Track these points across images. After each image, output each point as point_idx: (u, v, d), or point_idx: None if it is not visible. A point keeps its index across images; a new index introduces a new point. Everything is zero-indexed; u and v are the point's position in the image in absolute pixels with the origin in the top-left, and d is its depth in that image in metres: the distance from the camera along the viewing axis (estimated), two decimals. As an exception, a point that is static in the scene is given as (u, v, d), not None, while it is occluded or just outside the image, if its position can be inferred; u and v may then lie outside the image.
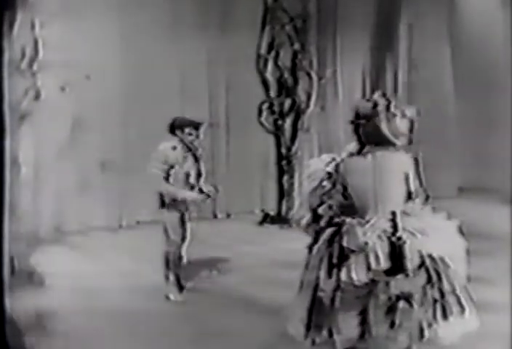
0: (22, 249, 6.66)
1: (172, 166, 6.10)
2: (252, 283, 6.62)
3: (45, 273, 6.74)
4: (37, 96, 7.75)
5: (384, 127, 4.18)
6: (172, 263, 6.23)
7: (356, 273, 4.02)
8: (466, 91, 10.87)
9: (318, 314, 4.15)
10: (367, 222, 4.11)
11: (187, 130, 6.19)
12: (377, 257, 4.01)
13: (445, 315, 4.06)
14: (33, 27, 7.68)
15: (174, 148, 6.16)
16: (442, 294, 4.08)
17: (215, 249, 7.75)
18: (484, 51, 10.45)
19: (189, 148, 6.22)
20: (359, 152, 4.24)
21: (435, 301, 4.06)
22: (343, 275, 4.04)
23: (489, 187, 9.79)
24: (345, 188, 4.21)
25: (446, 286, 4.08)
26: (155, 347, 5.26)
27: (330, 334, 4.13)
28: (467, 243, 4.21)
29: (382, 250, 4.03)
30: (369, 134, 4.22)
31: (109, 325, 5.56)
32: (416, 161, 4.22)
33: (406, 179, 4.15)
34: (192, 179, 6.25)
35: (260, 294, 6.20)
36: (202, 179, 6.32)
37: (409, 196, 4.16)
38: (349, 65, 10.57)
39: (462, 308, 4.09)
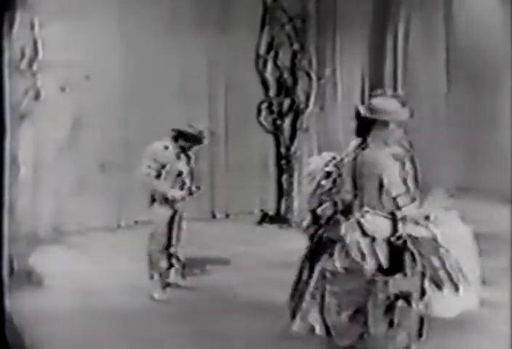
0: (21, 249, 6.67)
1: (163, 165, 6.15)
2: (251, 283, 6.63)
3: (44, 273, 6.75)
4: (37, 96, 7.75)
5: (361, 107, 4.22)
6: (156, 263, 6.25)
7: (339, 261, 4.07)
8: (466, 90, 10.88)
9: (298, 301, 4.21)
10: (353, 216, 4.15)
11: (187, 142, 6.27)
12: (352, 250, 4.05)
13: (438, 287, 4.07)
14: (32, 27, 7.68)
15: (166, 148, 6.22)
16: (426, 268, 4.08)
17: (214, 248, 7.76)
18: (483, 50, 10.45)
19: (182, 148, 6.26)
20: (356, 148, 4.26)
21: (423, 274, 4.07)
22: (327, 263, 4.09)
23: (489, 187, 9.79)
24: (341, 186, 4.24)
25: (435, 262, 4.07)
26: (154, 347, 5.26)
27: (328, 332, 4.14)
28: (471, 230, 4.21)
29: (357, 244, 4.06)
30: (362, 123, 4.26)
31: (108, 325, 5.56)
32: (402, 162, 4.22)
33: (380, 178, 4.15)
34: (185, 179, 6.28)
35: (259, 293, 6.21)
36: (194, 180, 6.38)
37: (394, 199, 4.16)
38: (348, 65, 10.56)
39: (456, 286, 4.09)
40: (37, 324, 5.48)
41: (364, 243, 4.07)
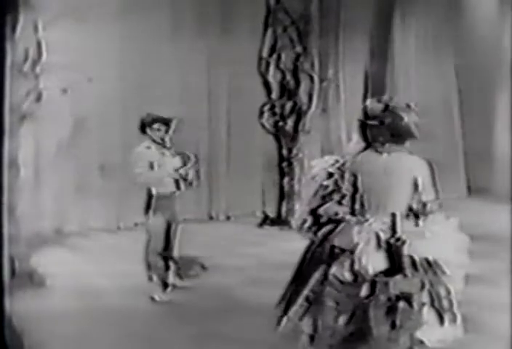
0: (22, 250, 6.67)
1: (151, 163, 6.21)
2: (251, 284, 6.64)
3: (45, 274, 6.75)
4: (38, 98, 7.76)
5: (407, 120, 4.17)
6: (154, 265, 6.28)
7: (348, 271, 4.05)
8: (467, 91, 10.89)
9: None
10: (366, 220, 4.11)
11: (155, 126, 6.29)
12: (360, 261, 4.02)
13: (441, 319, 4.06)
14: (36, 29, 7.69)
15: (149, 147, 6.29)
16: (433, 298, 4.06)
17: (214, 250, 7.76)
18: (486, 51, 10.46)
19: (164, 145, 6.30)
20: (368, 149, 4.23)
21: (423, 304, 4.05)
22: (334, 270, 4.05)
23: (489, 188, 9.79)
24: (354, 185, 4.20)
25: (441, 291, 4.06)
26: (155, 348, 5.25)
27: (315, 329, 4.13)
28: (468, 241, 4.18)
29: (369, 253, 4.02)
30: (381, 132, 4.21)
31: (108, 326, 5.56)
32: (431, 167, 4.20)
33: (415, 184, 4.12)
34: (175, 173, 6.31)
35: (259, 295, 6.20)
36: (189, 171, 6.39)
37: (424, 205, 4.13)
38: (351, 67, 10.57)
39: (454, 316, 4.08)
40: (38, 325, 5.47)
41: (377, 257, 4.05)
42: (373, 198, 4.14)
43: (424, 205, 4.09)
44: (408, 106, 4.22)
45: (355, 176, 4.18)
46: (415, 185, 4.10)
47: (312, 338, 4.15)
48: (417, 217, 4.11)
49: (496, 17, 10.47)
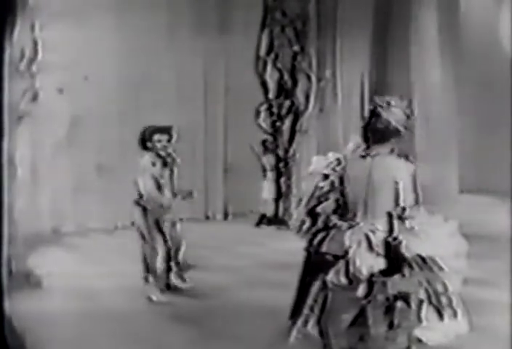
0: (20, 251, 6.66)
1: (156, 179, 6.19)
2: (249, 284, 6.63)
3: (43, 274, 6.74)
4: (35, 97, 7.75)
5: (386, 117, 4.17)
6: (151, 265, 6.28)
7: (343, 276, 4.05)
8: (466, 91, 10.91)
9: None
10: (357, 224, 4.11)
11: (155, 137, 6.21)
12: (354, 263, 4.02)
13: (440, 315, 4.05)
14: (33, 29, 7.69)
15: (154, 164, 6.24)
16: (430, 295, 4.06)
17: (211, 250, 7.76)
18: (485, 52, 10.48)
19: (164, 163, 6.24)
20: (363, 153, 4.23)
21: (421, 302, 4.04)
22: (331, 276, 4.06)
23: (488, 188, 9.81)
24: (342, 193, 4.20)
25: (438, 287, 4.06)
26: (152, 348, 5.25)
27: (324, 337, 4.12)
28: (467, 244, 4.17)
29: (361, 254, 4.02)
30: (373, 132, 4.21)
31: (106, 326, 5.54)
32: (414, 171, 4.19)
33: (396, 187, 4.12)
34: (168, 189, 6.29)
35: (257, 294, 6.21)
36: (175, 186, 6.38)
37: (397, 203, 4.13)
38: (348, 67, 10.58)
39: (455, 312, 4.07)
40: (36, 325, 5.46)
41: (369, 258, 4.04)
42: (360, 203, 4.14)
43: (403, 210, 4.09)
44: (388, 103, 4.22)
45: (343, 183, 4.19)
46: (396, 190, 4.10)
47: (324, 346, 4.14)
48: (400, 219, 4.11)
49: (494, 14, 10.50)
